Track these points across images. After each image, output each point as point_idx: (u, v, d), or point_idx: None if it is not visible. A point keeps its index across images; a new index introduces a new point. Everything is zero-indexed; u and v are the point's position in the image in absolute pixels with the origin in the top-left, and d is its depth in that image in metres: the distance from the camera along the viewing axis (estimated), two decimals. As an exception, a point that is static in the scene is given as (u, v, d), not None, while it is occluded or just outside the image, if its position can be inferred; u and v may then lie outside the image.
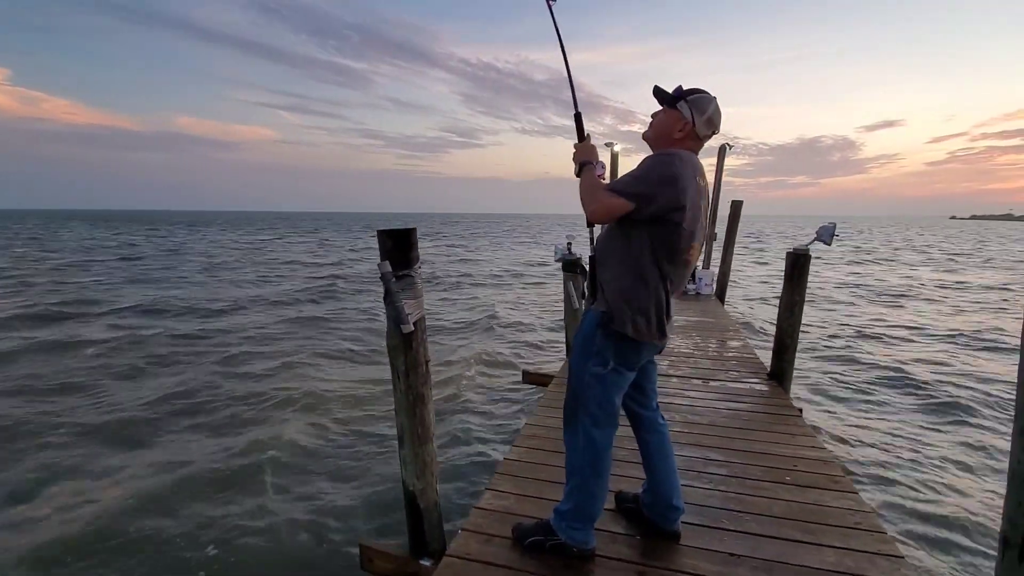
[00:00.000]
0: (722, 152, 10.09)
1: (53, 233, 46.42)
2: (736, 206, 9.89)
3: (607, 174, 4.35)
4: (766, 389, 4.44)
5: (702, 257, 9.47)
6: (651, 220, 1.82)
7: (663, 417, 2.27)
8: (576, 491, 2.07)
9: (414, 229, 2.28)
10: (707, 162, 5.66)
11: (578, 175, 1.94)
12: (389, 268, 2.12)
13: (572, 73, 2.11)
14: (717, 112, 1.91)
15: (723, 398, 4.20)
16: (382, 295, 2.23)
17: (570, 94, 2.07)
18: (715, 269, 9.96)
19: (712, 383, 4.59)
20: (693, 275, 9.26)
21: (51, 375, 7.20)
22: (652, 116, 1.99)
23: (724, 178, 10.13)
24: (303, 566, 3.53)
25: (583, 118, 2.04)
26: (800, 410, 4.25)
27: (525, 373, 6.09)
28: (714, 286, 9.61)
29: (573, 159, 1.99)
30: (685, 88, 1.92)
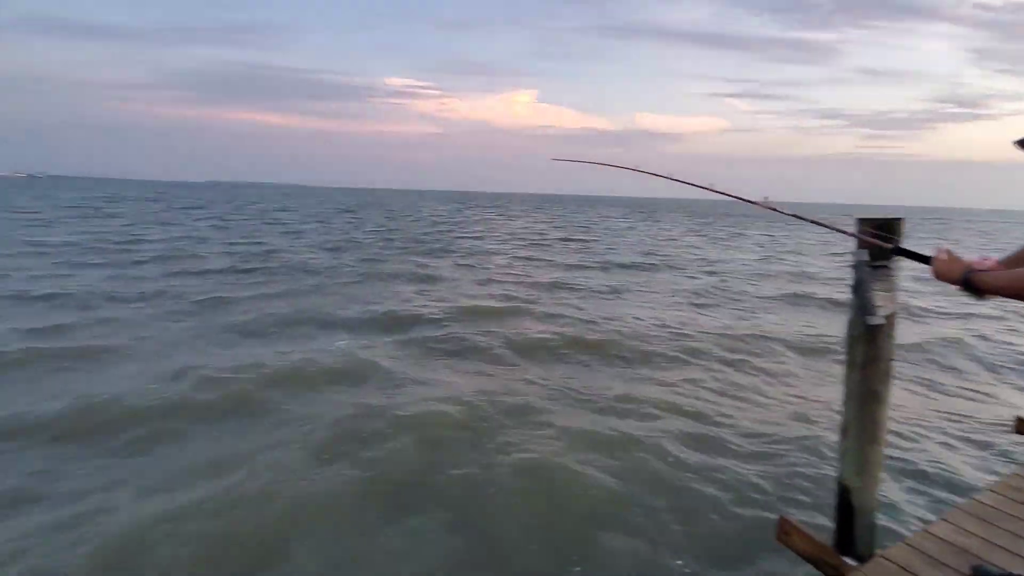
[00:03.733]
0: None
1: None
2: None
3: None
4: None
5: None
6: None
7: None
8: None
9: (901, 219, 2.17)
10: None
11: (978, 288, 1.42)
12: (866, 257, 2.11)
13: None
14: None
15: None
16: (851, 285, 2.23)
17: None
18: None
19: None
20: None
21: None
22: None
23: None
24: (710, 513, 3.92)
25: None
26: None
27: (1020, 421, 4.64)
28: None
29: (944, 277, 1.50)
30: None
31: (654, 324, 9.55)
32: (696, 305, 11.49)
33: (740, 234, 34.06)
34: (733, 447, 4.95)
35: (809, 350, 8.21)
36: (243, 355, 6.99)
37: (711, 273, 16.31)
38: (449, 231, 28.35)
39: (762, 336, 8.73)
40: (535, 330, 8.81)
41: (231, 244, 19.44)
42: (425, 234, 26.01)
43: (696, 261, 19.44)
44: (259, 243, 19.93)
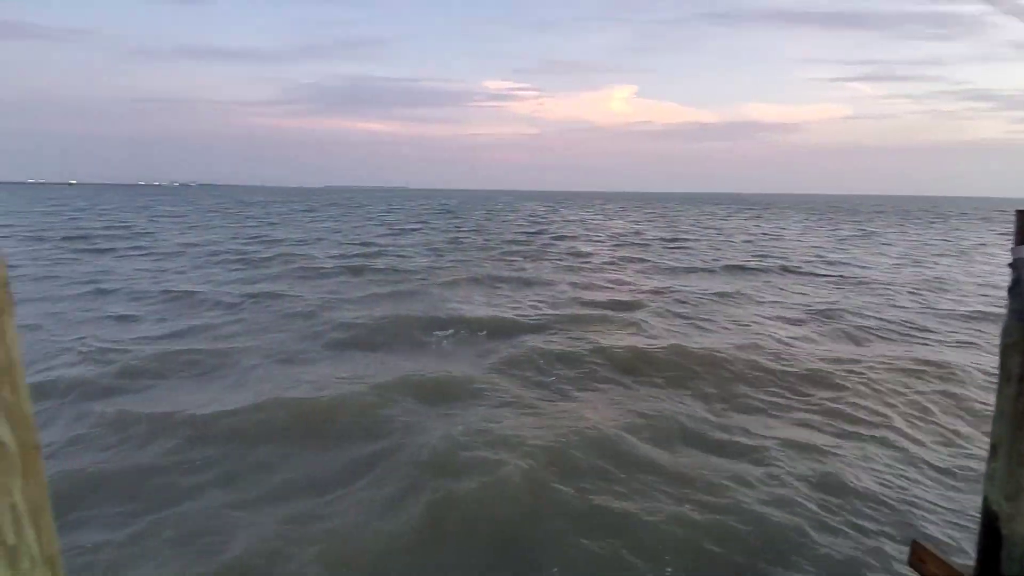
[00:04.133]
0: None
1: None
2: None
3: None
4: None
5: None
6: None
7: None
8: None
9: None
10: None
11: None
12: (1025, 255, 1.88)
13: None
14: None
15: None
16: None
17: None
18: None
19: None
20: None
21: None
22: None
23: None
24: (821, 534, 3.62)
25: None
26: None
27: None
28: None
29: None
30: None
31: (780, 340, 8.28)
32: (826, 317, 9.86)
33: (870, 232, 30.52)
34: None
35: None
36: (350, 366, 7.06)
37: (840, 279, 14.29)
38: (546, 231, 28.07)
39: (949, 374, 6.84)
40: (636, 344, 7.94)
41: (347, 245, 20.94)
42: (522, 235, 26.00)
43: (818, 261, 17.57)
44: (368, 243, 21.25)
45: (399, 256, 17.66)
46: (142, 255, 17.05)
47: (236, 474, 4.45)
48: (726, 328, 9.16)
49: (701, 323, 9.54)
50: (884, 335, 8.92)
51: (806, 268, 16.14)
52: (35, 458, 0.75)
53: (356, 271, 14.45)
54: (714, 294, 11.99)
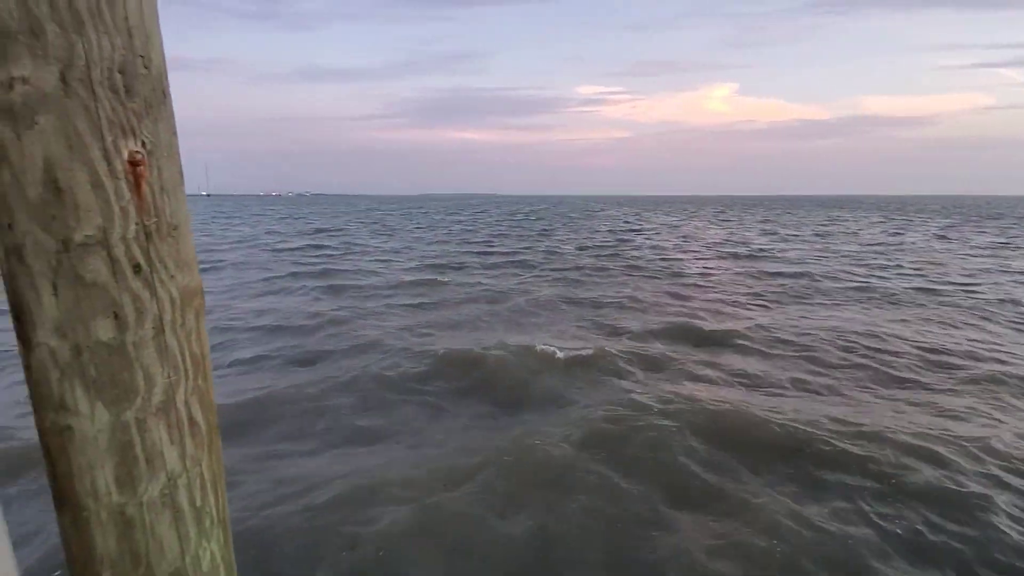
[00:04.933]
0: None
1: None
2: None
3: None
4: None
5: None
6: None
7: None
8: None
9: None
10: None
11: None
12: None
13: None
14: None
15: None
16: None
17: None
18: None
19: None
20: None
21: None
22: None
23: None
24: None
25: None
26: None
27: None
28: None
29: None
30: None
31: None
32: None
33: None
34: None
35: None
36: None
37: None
38: (637, 239, 26.70)
39: None
40: (768, 419, 5.12)
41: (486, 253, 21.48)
42: (615, 243, 24.97)
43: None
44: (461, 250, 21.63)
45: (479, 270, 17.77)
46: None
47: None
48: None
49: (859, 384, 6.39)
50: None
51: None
52: (216, 436, 0.91)
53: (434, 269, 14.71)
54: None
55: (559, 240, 26.10)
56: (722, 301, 11.28)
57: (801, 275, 14.74)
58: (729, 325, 9.00)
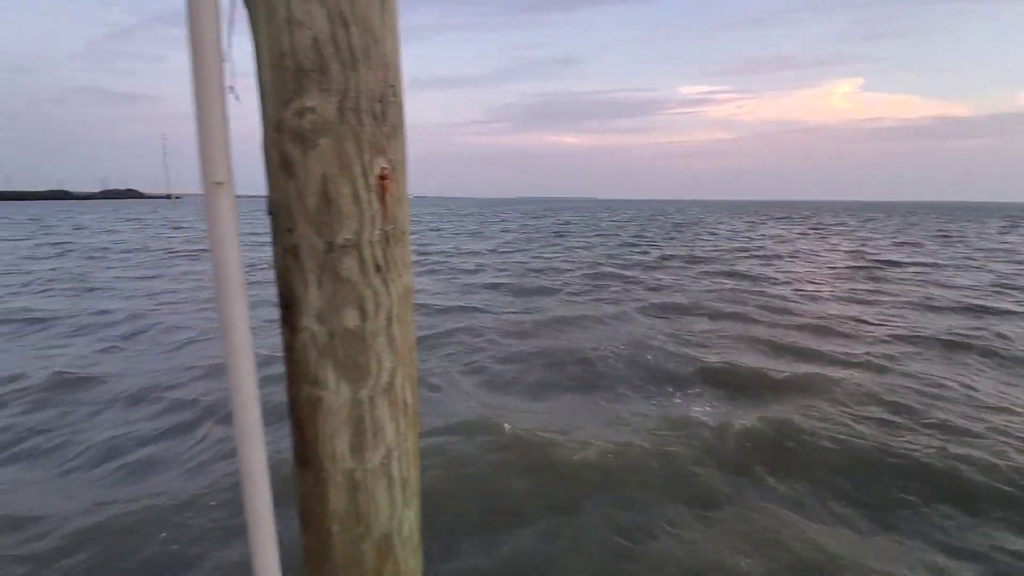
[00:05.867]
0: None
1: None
2: None
3: None
4: None
5: None
6: None
7: None
8: None
9: None
10: None
11: None
12: None
13: None
14: None
15: None
16: None
17: None
18: None
19: None
20: None
21: None
22: None
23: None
24: None
25: None
26: None
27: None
28: None
29: None
30: None
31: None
32: None
33: None
34: None
35: None
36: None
37: None
38: (743, 251, 23.86)
39: None
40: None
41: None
42: (720, 256, 22.77)
43: None
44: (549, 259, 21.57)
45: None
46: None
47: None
48: None
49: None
50: None
51: None
52: (417, 417, 1.02)
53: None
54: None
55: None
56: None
57: None
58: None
